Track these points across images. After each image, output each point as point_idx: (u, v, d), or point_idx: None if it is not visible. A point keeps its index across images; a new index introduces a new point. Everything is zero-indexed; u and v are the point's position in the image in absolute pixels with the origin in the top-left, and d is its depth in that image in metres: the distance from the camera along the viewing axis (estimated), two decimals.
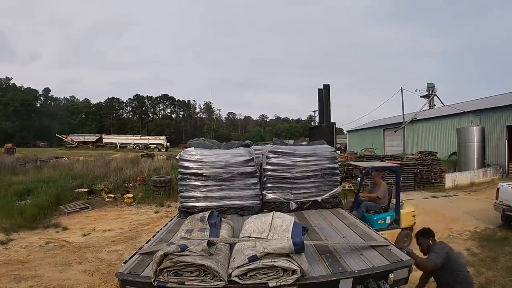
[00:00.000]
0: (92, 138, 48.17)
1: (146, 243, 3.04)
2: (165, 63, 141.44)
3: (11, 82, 67.32)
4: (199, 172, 4.05)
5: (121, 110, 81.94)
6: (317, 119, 57.05)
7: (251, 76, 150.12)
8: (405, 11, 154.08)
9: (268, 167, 4.32)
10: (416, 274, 4.74)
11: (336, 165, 4.60)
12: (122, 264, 2.52)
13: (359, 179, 6.13)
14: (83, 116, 73.22)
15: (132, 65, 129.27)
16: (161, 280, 2.09)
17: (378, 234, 3.12)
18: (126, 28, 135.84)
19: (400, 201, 5.89)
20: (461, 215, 8.83)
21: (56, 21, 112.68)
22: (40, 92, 71.95)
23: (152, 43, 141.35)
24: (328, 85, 4.61)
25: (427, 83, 33.83)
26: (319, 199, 4.33)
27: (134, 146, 44.79)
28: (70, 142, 46.75)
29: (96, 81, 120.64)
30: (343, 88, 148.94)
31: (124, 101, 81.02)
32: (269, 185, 4.30)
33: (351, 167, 8.19)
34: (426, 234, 3.24)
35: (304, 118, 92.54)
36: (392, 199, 6.04)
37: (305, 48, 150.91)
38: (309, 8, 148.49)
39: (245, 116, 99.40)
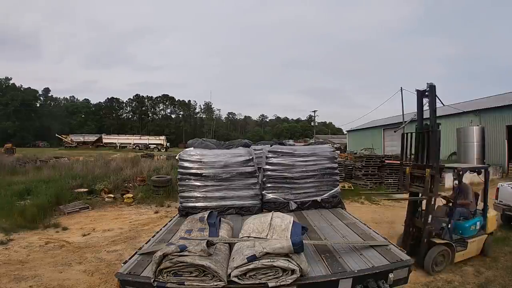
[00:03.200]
0: (92, 138, 48.18)
1: (146, 243, 3.04)
2: (170, 66, 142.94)
3: (11, 82, 67.36)
4: (199, 172, 4.05)
5: (120, 110, 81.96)
6: (317, 119, 57.18)
7: (252, 76, 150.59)
8: (405, 14, 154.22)
9: (267, 167, 4.31)
10: (416, 273, 4.74)
11: (336, 165, 4.60)
12: (122, 264, 2.52)
13: (455, 182, 5.53)
14: (83, 116, 73.23)
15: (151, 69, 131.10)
16: (160, 280, 2.09)
17: (378, 234, 3.11)
18: (143, 34, 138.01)
19: None
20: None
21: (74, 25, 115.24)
22: (40, 92, 72.01)
23: (160, 48, 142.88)
24: (434, 86, 4.19)
25: (427, 83, 33.80)
26: (318, 199, 4.33)
27: (134, 146, 44.82)
28: (69, 142, 46.75)
29: (113, 83, 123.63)
30: (343, 89, 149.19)
31: (124, 101, 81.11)
32: (269, 185, 4.30)
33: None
34: None
35: (303, 118, 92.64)
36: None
37: (305, 49, 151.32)
38: (308, 9, 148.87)
39: (245, 116, 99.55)
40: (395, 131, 27.38)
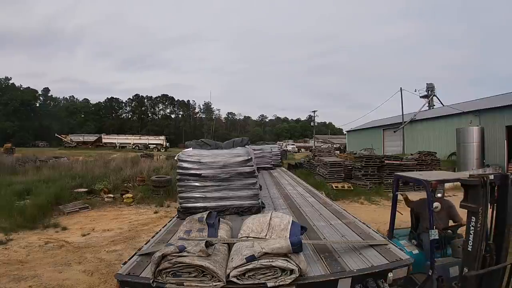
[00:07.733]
0: (91, 138, 48.15)
1: (145, 244, 3.04)
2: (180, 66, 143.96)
3: (11, 81, 67.28)
4: (198, 172, 4.04)
5: (120, 110, 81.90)
6: (317, 120, 57.09)
7: (253, 78, 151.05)
8: (407, 13, 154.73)
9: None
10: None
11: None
12: (122, 265, 2.52)
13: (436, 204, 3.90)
14: (83, 116, 73.18)
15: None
16: (159, 281, 2.08)
17: (377, 233, 3.12)
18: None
19: None
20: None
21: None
22: (40, 92, 71.94)
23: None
24: None
25: (427, 83, 33.84)
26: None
27: (133, 146, 44.78)
28: (69, 142, 46.74)
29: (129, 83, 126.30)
30: (343, 89, 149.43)
31: (124, 101, 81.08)
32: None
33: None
34: None
35: (303, 118, 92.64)
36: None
37: (307, 53, 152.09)
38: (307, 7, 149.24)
39: (245, 116, 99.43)
40: (394, 131, 27.50)
